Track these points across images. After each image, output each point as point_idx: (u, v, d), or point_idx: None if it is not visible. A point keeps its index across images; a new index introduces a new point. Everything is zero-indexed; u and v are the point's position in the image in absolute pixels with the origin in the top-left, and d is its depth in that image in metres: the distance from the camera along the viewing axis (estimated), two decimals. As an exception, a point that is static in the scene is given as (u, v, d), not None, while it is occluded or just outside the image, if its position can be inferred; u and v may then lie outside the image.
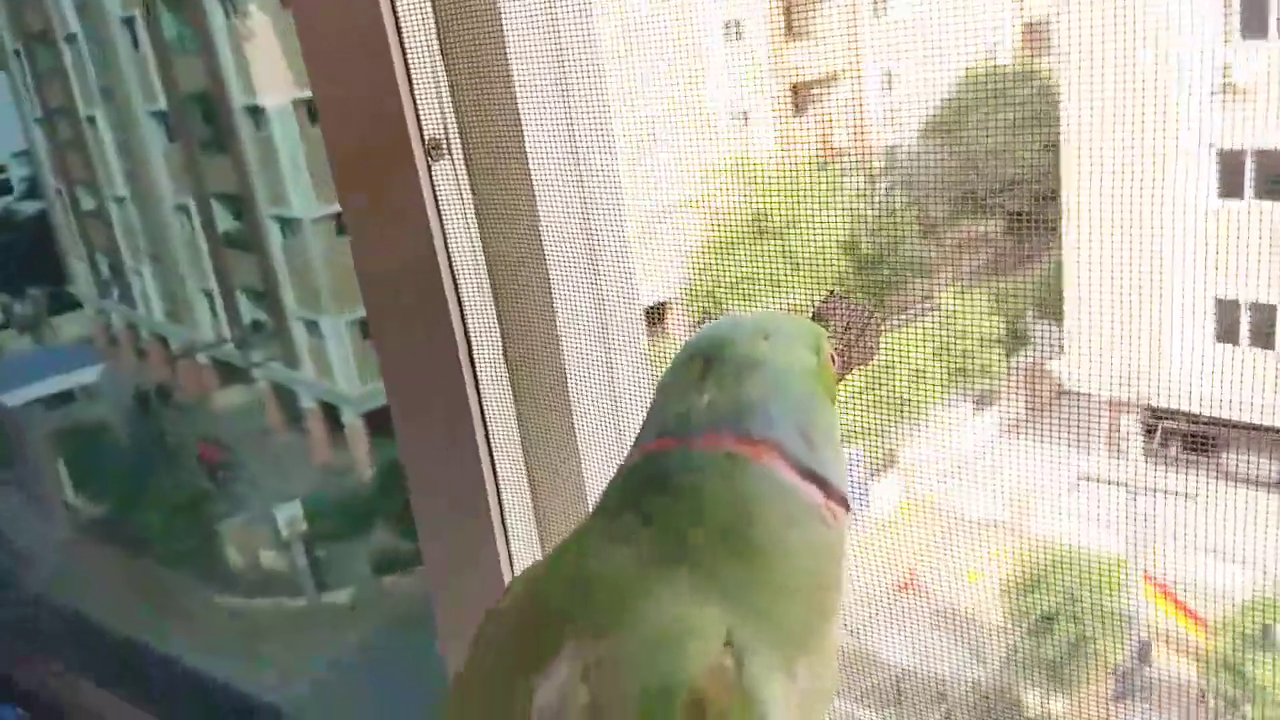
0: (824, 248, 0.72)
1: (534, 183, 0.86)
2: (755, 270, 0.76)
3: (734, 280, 0.78)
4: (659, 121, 0.78)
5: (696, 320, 0.93)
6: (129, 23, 8.04)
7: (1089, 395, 0.73)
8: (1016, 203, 0.67)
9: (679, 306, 0.93)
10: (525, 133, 0.86)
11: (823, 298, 0.61)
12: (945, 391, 0.82)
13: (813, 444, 0.52)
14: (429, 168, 0.88)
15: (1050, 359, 0.84)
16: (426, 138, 0.89)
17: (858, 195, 0.72)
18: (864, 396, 0.76)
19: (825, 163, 0.73)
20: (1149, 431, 0.98)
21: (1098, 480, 0.92)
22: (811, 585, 0.50)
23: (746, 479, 0.51)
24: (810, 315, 0.60)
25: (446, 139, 0.89)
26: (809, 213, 0.71)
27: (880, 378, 0.75)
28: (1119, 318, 0.70)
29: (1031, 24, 0.74)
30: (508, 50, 0.84)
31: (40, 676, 1.81)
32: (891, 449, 0.94)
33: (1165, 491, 1.02)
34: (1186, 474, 0.99)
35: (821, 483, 0.51)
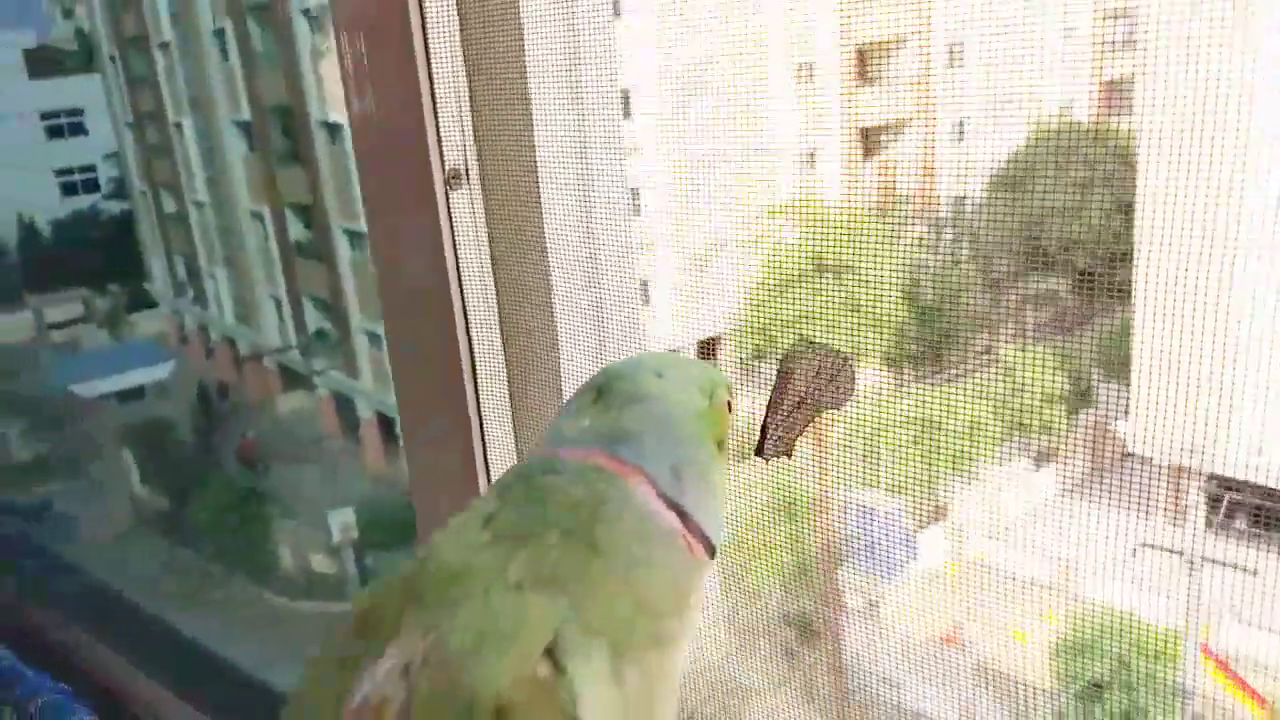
0: (884, 292, 0.71)
1: (544, 217, 0.89)
2: (811, 309, 0.75)
3: (789, 318, 0.77)
4: (722, 158, 0.78)
5: (749, 354, 0.93)
6: (219, 35, 8.26)
7: (1154, 460, 0.71)
8: (1085, 261, 0.65)
9: (731, 341, 0.92)
10: (539, 168, 0.89)
11: (792, 345, 0.63)
12: (1002, 447, 0.80)
13: (681, 479, 0.53)
14: (447, 196, 0.92)
15: (1115, 421, 0.82)
16: (447, 167, 0.93)
17: (921, 243, 0.71)
18: (916, 446, 0.75)
19: (890, 208, 0.72)
20: (1214, 502, 0.96)
21: (1158, 548, 0.89)
22: (651, 599, 0.52)
23: (605, 486, 0.54)
24: (779, 360, 0.63)
25: (466, 169, 0.93)
26: (870, 256, 0.70)
27: (934, 428, 0.74)
28: (1190, 385, 0.68)
29: (1112, 82, 0.73)
30: (529, 86, 0.87)
31: (93, 661, 1.84)
32: (943, 502, 0.92)
33: (1228, 564, 0.99)
34: (1251, 548, 0.96)
35: (683, 516, 0.52)
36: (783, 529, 0.79)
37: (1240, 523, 1.04)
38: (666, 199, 0.87)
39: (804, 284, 0.74)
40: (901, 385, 0.79)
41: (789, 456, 0.66)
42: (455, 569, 0.51)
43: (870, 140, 0.77)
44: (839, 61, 0.78)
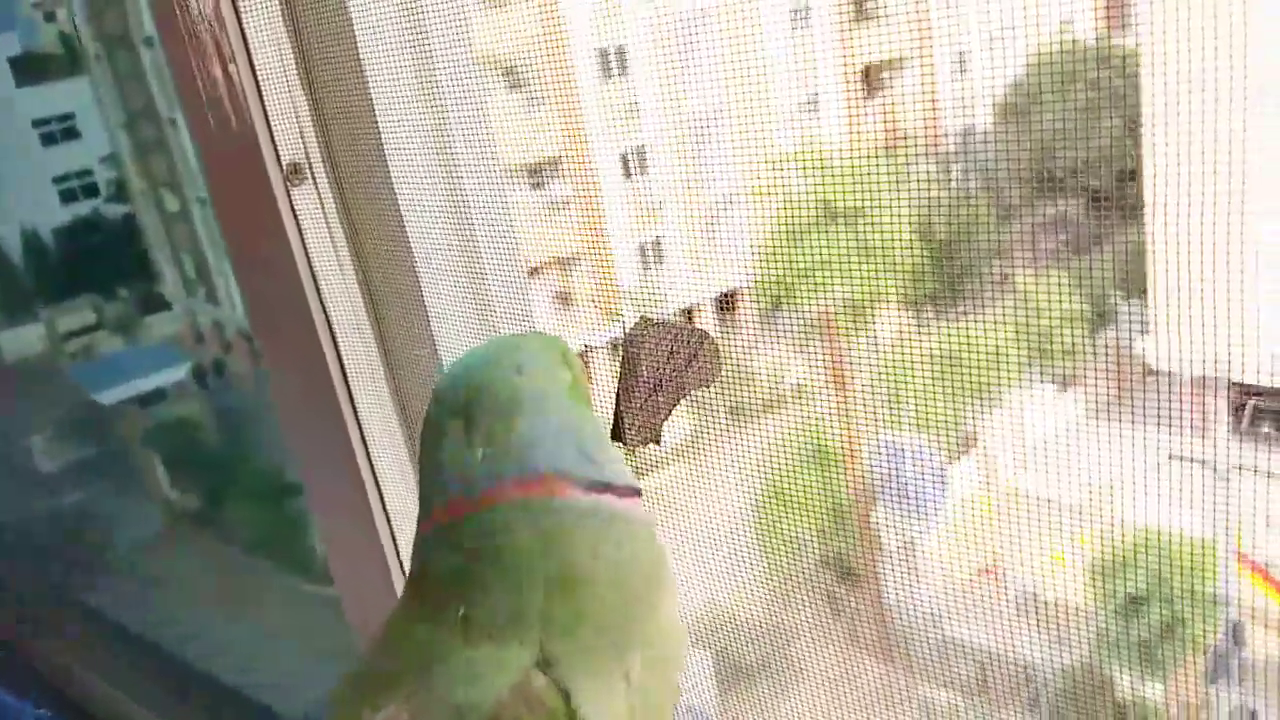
0: (896, 234, 0.71)
1: (401, 209, 0.84)
2: (825, 257, 0.75)
3: (804, 268, 0.77)
4: (725, 110, 0.78)
5: (767, 307, 0.93)
6: (204, 25, 8.21)
7: (1176, 374, 0.71)
8: (1096, 182, 0.65)
9: (748, 294, 0.92)
10: (387, 152, 0.84)
11: (635, 324, 0.62)
12: (1026, 374, 0.80)
13: (591, 458, 0.54)
14: (289, 193, 0.87)
15: (1135, 338, 0.82)
16: (285, 163, 0.87)
17: (931, 180, 0.71)
18: (941, 381, 0.75)
19: (897, 147, 0.72)
20: (1238, 410, 0.96)
21: (1185, 460, 0.90)
22: (634, 585, 0.53)
23: (543, 517, 0.52)
24: (621, 344, 0.62)
25: (309, 164, 0.87)
26: (881, 198, 0.70)
27: (958, 362, 0.74)
28: (1207, 295, 0.68)
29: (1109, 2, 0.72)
30: (365, 72, 0.82)
31: (74, 682, 1.86)
32: (971, 433, 0.93)
33: (1255, 470, 0.99)
34: (1277, 453, 0.96)
35: (610, 488, 0.53)
36: (814, 477, 0.79)
37: (1265, 428, 1.04)
38: (673, 156, 0.86)
39: (816, 232, 0.74)
40: (921, 324, 0.79)
41: (657, 443, 0.66)
42: (425, 645, 0.53)
43: (872, 79, 0.76)
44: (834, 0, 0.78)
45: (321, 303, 0.90)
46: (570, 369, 0.57)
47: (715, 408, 0.81)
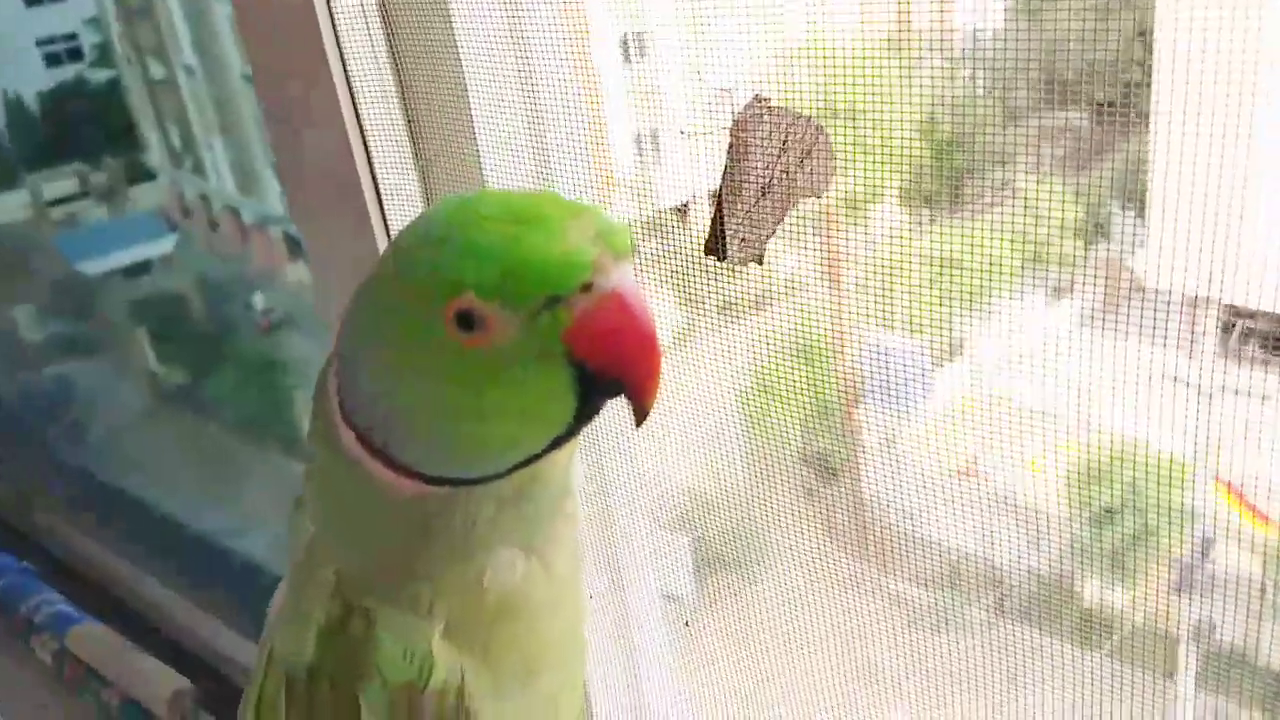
0: (897, 131, 0.70)
1: (456, 33, 0.76)
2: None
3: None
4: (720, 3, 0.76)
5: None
6: (194, -114, 7.91)
7: (1167, 291, 0.72)
8: (1104, 91, 0.64)
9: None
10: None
11: (749, 103, 0.53)
12: (1018, 280, 0.81)
13: (357, 384, 0.46)
14: (331, 18, 0.78)
15: (1130, 252, 0.82)
16: None
17: (936, 78, 0.70)
18: (935, 285, 0.75)
19: (905, 43, 0.70)
20: (1226, 330, 0.96)
21: (1170, 378, 0.90)
22: (390, 538, 0.50)
23: (317, 410, 0.51)
24: (730, 129, 0.52)
25: None
26: (883, 95, 0.69)
27: (951, 265, 0.74)
28: (1204, 213, 0.68)
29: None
30: None
31: (79, 546, 1.87)
32: (960, 338, 0.93)
33: (1239, 391, 1.00)
34: (1263, 374, 0.97)
35: (364, 438, 0.46)
36: (801, 372, 0.80)
37: (1252, 349, 1.05)
38: (672, 43, 0.84)
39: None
40: (919, 224, 0.79)
41: (759, 263, 0.55)
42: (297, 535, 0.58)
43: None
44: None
45: (360, 128, 0.82)
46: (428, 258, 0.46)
47: (706, 301, 0.81)
